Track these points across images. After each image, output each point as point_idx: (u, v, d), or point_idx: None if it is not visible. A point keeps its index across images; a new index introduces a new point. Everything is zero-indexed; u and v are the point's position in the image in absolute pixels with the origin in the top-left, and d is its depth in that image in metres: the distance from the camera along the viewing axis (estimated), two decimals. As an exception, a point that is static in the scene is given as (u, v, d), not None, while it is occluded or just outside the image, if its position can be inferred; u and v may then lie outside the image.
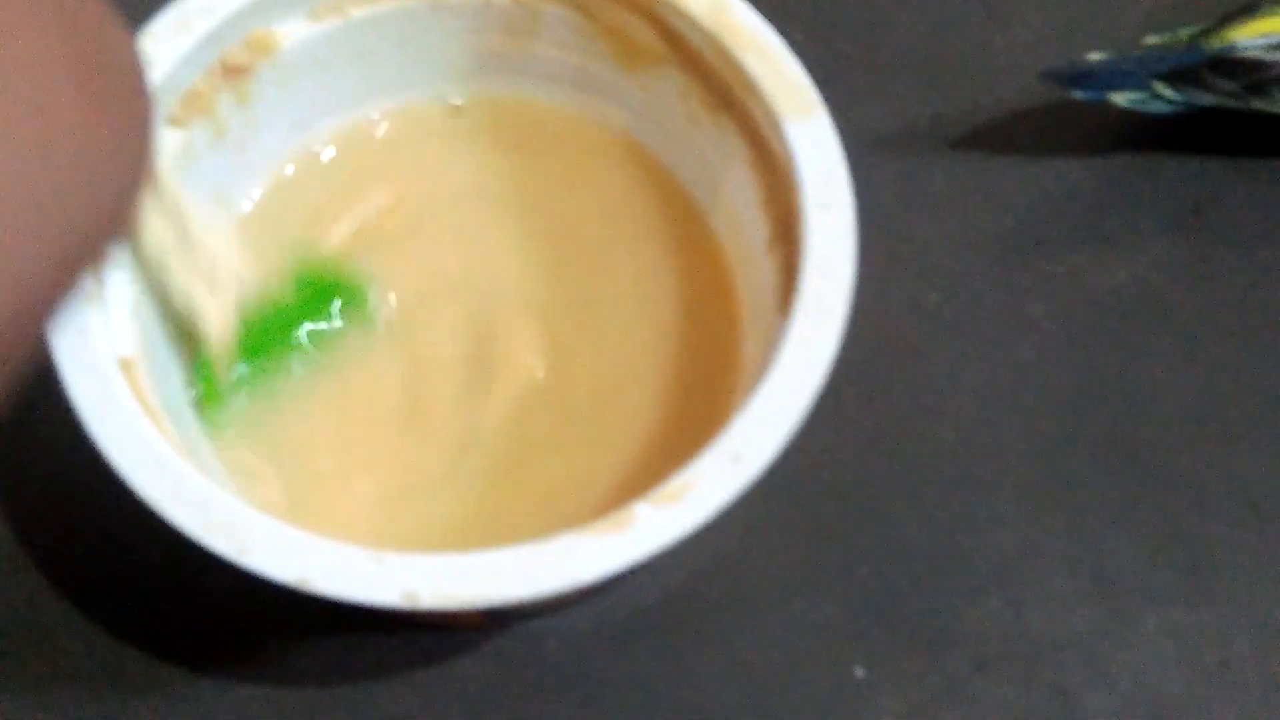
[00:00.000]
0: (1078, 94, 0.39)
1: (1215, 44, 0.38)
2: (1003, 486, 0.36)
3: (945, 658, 0.35)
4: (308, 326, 0.34)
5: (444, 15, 0.35)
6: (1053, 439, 0.37)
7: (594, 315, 0.35)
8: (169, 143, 0.33)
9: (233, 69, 0.34)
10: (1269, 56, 0.38)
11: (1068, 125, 0.40)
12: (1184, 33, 0.39)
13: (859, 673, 0.34)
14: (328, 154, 0.37)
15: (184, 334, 0.33)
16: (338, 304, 0.34)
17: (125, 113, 0.22)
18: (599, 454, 0.33)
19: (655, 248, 0.36)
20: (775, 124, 0.32)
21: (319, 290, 0.34)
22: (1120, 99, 0.39)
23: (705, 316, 0.35)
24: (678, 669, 0.34)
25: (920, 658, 0.35)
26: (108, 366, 0.29)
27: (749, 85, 0.32)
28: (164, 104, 0.33)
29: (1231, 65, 0.38)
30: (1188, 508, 0.36)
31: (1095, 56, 0.39)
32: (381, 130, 0.37)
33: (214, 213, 0.32)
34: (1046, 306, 0.39)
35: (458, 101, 0.37)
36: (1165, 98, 0.39)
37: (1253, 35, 0.38)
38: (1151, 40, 0.40)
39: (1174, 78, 0.38)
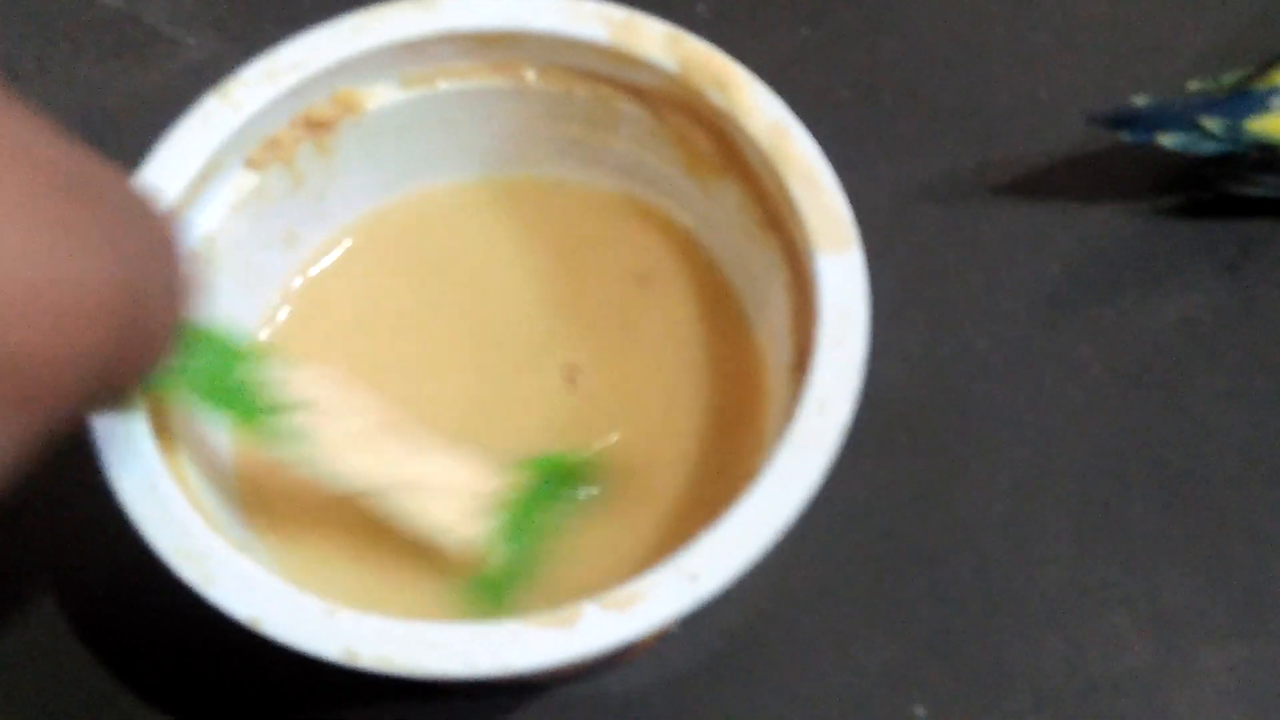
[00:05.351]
0: (1125, 136, 0.39)
1: (1260, 87, 0.39)
2: (1056, 526, 0.37)
3: (1005, 697, 0.35)
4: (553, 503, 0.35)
5: (528, 99, 0.36)
6: (1105, 479, 0.38)
7: (633, 396, 0.36)
8: (243, 182, 0.35)
9: (316, 123, 0.35)
10: None
11: (1111, 171, 0.41)
12: (1227, 78, 0.40)
13: (920, 712, 0.35)
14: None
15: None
16: (572, 485, 0.35)
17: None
18: (621, 532, 0.34)
19: (701, 345, 0.36)
20: (810, 253, 0.32)
21: (554, 478, 0.35)
22: (1168, 140, 0.39)
23: (737, 421, 0.35)
24: (738, 715, 0.35)
25: (980, 697, 0.35)
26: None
27: (794, 211, 0.33)
28: (244, 147, 0.34)
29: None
30: (1241, 543, 0.37)
31: (1140, 100, 0.40)
32: (441, 204, 0.38)
33: (436, 449, 0.33)
34: (1095, 349, 0.39)
35: (533, 179, 0.38)
36: (1214, 135, 0.39)
37: None
38: (1195, 85, 0.40)
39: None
